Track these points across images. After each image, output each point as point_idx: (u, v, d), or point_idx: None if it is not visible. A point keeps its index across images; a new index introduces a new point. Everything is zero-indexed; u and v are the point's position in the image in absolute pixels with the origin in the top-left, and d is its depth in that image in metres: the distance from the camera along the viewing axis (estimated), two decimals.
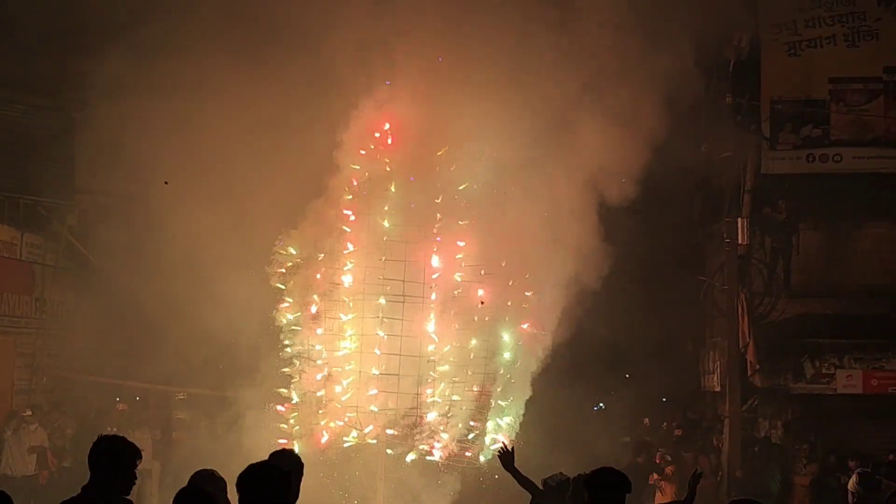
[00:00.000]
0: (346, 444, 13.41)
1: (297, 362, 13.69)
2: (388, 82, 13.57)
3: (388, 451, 13.33)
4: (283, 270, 13.88)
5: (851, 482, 9.66)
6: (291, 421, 13.65)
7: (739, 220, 18.02)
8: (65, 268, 21.95)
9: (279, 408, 13.59)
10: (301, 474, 6.46)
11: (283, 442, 13.12)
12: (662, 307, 18.99)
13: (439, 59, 13.50)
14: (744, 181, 18.72)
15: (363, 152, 13.64)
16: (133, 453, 6.25)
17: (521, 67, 13.76)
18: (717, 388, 18.75)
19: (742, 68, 18.27)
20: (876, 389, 18.15)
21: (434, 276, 13.30)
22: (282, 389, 13.63)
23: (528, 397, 13.84)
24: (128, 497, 6.22)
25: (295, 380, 13.66)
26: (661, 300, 18.96)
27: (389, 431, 13.24)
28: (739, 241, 17.94)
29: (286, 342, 13.74)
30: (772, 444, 18.00)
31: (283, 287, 13.88)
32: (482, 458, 13.43)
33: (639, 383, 19.40)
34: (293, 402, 13.58)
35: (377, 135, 13.67)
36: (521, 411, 13.83)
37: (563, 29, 13.94)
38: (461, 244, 13.39)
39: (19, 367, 20.55)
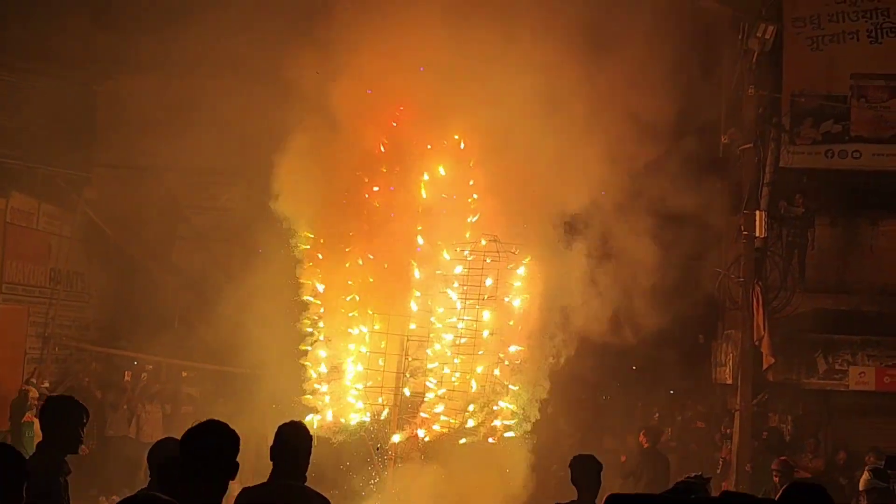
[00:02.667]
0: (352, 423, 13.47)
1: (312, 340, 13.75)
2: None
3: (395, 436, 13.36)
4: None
5: (864, 480, 9.69)
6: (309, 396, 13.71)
7: (758, 212, 17.95)
8: (81, 239, 22.04)
9: (312, 373, 13.60)
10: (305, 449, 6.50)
11: (309, 419, 13.22)
12: (675, 298, 18.95)
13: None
14: (763, 174, 18.66)
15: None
16: (80, 413, 6.56)
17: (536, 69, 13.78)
18: (729, 381, 18.72)
19: (765, 60, 18.18)
20: (888, 387, 18.10)
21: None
22: (306, 363, 13.66)
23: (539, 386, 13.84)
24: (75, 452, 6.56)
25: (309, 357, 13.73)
26: (673, 291, 18.91)
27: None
28: (757, 234, 17.88)
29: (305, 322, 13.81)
30: (780, 438, 18.00)
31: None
32: (491, 440, 13.46)
33: (646, 375, 19.41)
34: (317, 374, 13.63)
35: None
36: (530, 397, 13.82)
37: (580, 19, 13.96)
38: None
39: (31, 336, 20.68)
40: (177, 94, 22.97)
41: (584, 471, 7.92)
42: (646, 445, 15.44)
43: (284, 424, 6.56)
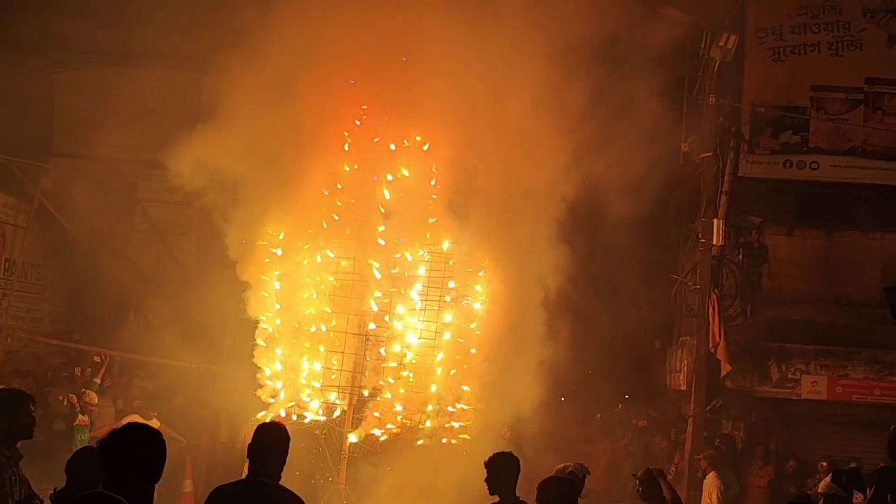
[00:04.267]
0: (305, 421, 13.41)
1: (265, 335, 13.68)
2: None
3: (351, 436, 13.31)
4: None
5: (824, 483, 9.75)
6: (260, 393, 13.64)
7: (715, 220, 18.08)
8: (36, 230, 21.81)
9: (266, 370, 13.53)
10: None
11: (262, 415, 13.16)
12: (631, 305, 19.04)
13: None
14: (721, 183, 18.81)
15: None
16: (27, 400, 6.89)
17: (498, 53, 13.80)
18: (683, 387, 18.82)
19: (726, 70, 18.31)
20: (840, 396, 18.25)
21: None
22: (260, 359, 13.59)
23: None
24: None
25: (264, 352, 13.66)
26: (629, 297, 19.00)
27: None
28: (714, 242, 18.00)
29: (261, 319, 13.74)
30: (733, 445, 18.11)
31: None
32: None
33: (601, 379, 19.46)
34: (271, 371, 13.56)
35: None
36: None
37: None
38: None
39: None
40: (135, 85, 22.80)
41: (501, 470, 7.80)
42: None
43: (263, 424, 6.80)
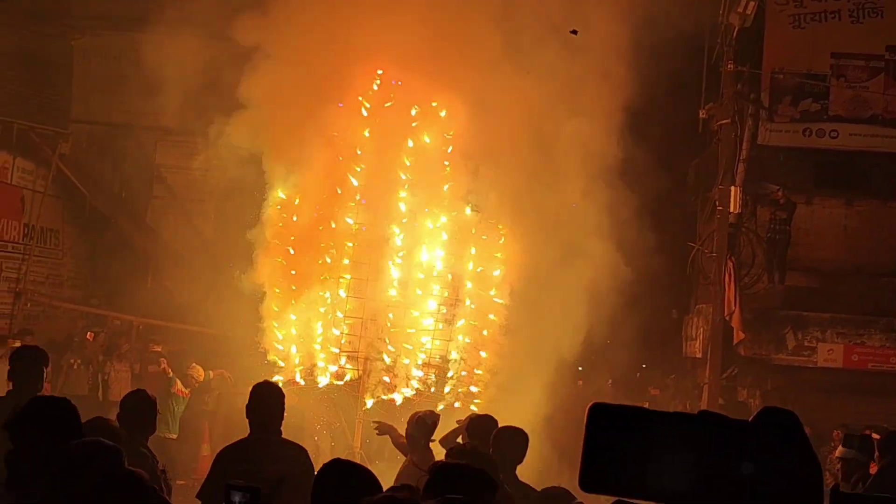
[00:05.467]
0: (319, 386, 13.49)
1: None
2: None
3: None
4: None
5: (840, 450, 9.72)
6: (273, 358, 13.72)
7: (733, 188, 18.00)
8: (55, 196, 21.92)
9: (278, 334, 13.61)
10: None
11: (276, 379, 13.23)
12: (649, 272, 19.00)
13: None
14: (740, 150, 18.71)
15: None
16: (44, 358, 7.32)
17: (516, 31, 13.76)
18: (699, 355, 18.83)
19: (745, 36, 18.18)
20: (856, 365, 18.23)
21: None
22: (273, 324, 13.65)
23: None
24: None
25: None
26: (647, 265, 18.96)
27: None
28: (731, 210, 17.93)
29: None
30: (748, 413, 18.10)
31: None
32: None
33: (618, 349, 19.44)
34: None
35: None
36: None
37: None
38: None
39: (3, 291, 20.53)
40: (154, 52, 22.79)
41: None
42: None
43: (257, 385, 7.06)
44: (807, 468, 1.83)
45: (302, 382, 13.32)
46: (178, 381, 15.83)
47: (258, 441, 6.68)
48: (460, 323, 13.49)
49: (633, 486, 1.77)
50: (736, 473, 1.77)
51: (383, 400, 13.34)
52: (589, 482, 1.78)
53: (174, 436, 15.45)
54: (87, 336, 18.85)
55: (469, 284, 13.48)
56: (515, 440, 7.39)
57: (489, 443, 7.23)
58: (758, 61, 19.41)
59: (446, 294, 13.47)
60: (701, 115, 18.97)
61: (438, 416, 8.97)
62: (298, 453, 6.73)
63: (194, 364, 16.31)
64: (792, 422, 1.80)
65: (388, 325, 13.33)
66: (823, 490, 1.86)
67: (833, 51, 19.91)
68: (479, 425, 7.80)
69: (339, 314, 13.25)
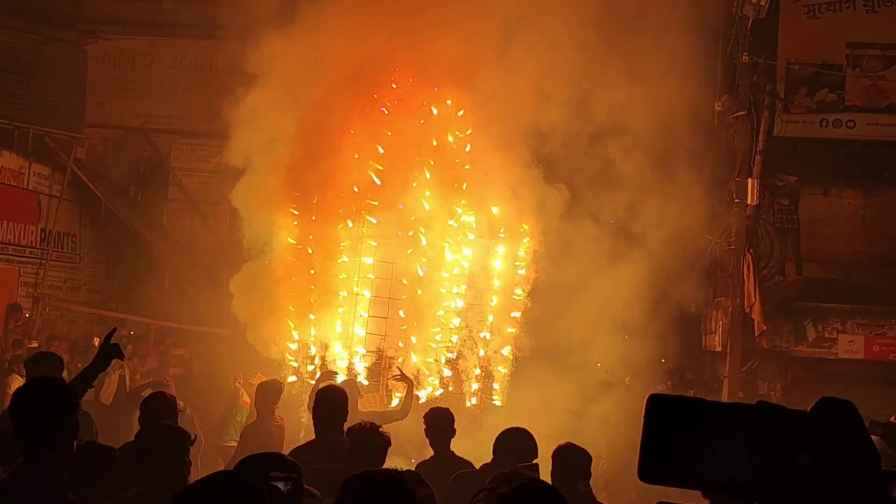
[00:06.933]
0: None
1: None
2: None
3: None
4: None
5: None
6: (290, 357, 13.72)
7: (750, 180, 17.92)
8: (71, 200, 22.00)
9: (295, 334, 13.60)
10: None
11: (293, 380, 13.24)
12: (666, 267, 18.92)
13: None
14: (756, 142, 18.61)
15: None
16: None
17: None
18: (719, 349, 18.75)
19: (760, 27, 18.10)
20: (877, 356, 18.12)
21: None
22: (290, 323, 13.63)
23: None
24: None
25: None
26: (665, 259, 18.88)
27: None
28: (749, 202, 17.87)
29: None
30: None
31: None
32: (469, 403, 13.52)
33: (638, 343, 19.36)
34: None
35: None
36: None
37: None
38: None
39: (22, 296, 20.61)
40: (167, 55, 22.93)
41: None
42: None
43: (322, 388, 8.13)
44: (864, 458, 1.79)
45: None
46: (245, 392, 15.78)
47: (325, 441, 7.29)
48: (490, 319, 13.52)
49: (691, 475, 1.75)
50: (793, 463, 1.74)
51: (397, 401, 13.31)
52: (648, 472, 1.75)
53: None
54: (94, 342, 18.86)
55: (497, 282, 13.48)
56: (579, 454, 6.76)
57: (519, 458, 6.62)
58: (773, 52, 19.31)
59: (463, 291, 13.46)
60: (716, 107, 18.87)
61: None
62: None
63: (259, 374, 16.27)
64: (849, 412, 1.78)
65: (415, 323, 13.29)
66: (880, 479, 1.82)
67: (849, 40, 19.79)
68: (507, 441, 7.17)
69: (364, 313, 13.22)
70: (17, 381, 14.99)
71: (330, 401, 7.56)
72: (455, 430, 8.33)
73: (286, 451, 7.24)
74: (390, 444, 6.68)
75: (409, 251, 13.19)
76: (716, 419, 1.74)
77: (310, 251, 13.68)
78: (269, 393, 10.78)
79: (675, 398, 1.77)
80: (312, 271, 13.65)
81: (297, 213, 13.77)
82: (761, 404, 1.78)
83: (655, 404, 1.74)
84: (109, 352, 6.35)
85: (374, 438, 6.56)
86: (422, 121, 13.53)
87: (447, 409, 8.59)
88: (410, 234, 13.22)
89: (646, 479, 1.74)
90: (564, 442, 6.92)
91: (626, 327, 17.75)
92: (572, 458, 6.69)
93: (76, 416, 5.00)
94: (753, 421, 1.74)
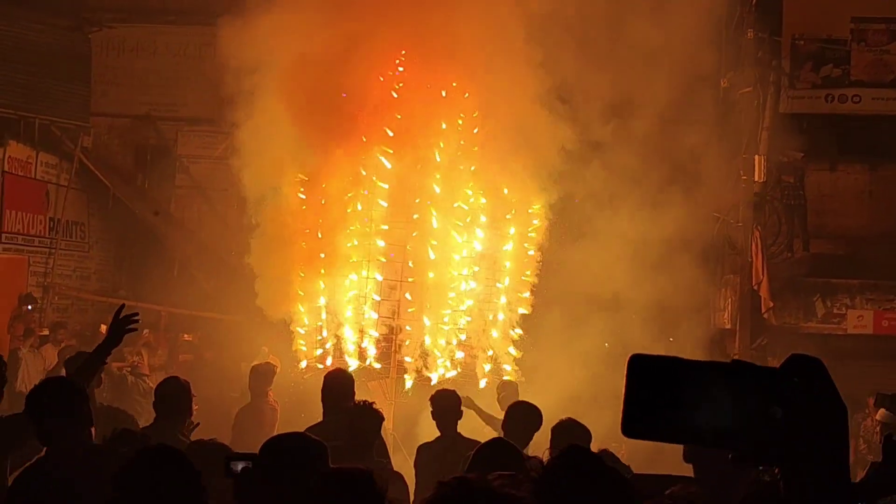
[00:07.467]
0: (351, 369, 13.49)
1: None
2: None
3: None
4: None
5: (881, 413, 9.65)
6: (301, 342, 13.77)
7: (756, 157, 17.92)
8: (79, 189, 22.06)
9: (305, 319, 13.65)
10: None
11: (304, 365, 13.30)
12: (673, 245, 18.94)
13: None
14: (762, 118, 18.60)
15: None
16: None
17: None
18: (728, 326, 18.78)
19: (765, 3, 18.07)
20: (887, 330, 18.13)
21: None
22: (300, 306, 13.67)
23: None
24: None
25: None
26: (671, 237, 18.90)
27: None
28: (756, 179, 17.86)
29: None
30: None
31: None
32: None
33: (646, 323, 19.40)
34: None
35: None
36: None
37: None
38: None
39: (31, 285, 20.69)
40: (172, 42, 22.94)
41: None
42: None
43: (329, 372, 8.79)
44: (831, 410, 1.94)
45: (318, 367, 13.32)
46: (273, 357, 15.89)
47: (332, 422, 7.60)
48: (502, 300, 13.57)
49: (671, 430, 1.87)
50: (766, 416, 1.88)
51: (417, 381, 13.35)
52: (630, 428, 1.87)
53: None
54: (101, 329, 18.94)
55: (508, 264, 13.52)
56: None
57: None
58: (777, 28, 19.27)
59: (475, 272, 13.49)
60: (722, 84, 18.86)
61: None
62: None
63: (264, 346, 16.37)
64: (816, 368, 1.92)
65: (427, 305, 13.31)
66: (848, 431, 1.96)
67: (853, 15, 19.73)
68: (563, 431, 7.12)
69: (376, 297, 13.23)
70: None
71: (338, 382, 8.14)
72: (462, 412, 8.56)
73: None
74: (384, 420, 7.50)
75: (414, 234, 13.19)
76: (694, 376, 1.86)
77: (319, 235, 13.70)
78: (263, 375, 11.45)
79: (655, 357, 1.89)
80: (322, 255, 13.66)
81: (304, 196, 13.79)
82: (735, 362, 1.91)
83: (636, 364, 1.87)
84: (121, 327, 6.44)
85: (368, 415, 7.20)
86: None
87: (453, 391, 8.83)
88: (415, 216, 13.24)
89: (629, 435, 1.87)
90: (565, 417, 7.37)
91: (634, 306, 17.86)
92: (571, 435, 6.89)
93: (87, 406, 5.19)
94: (729, 377, 1.86)
